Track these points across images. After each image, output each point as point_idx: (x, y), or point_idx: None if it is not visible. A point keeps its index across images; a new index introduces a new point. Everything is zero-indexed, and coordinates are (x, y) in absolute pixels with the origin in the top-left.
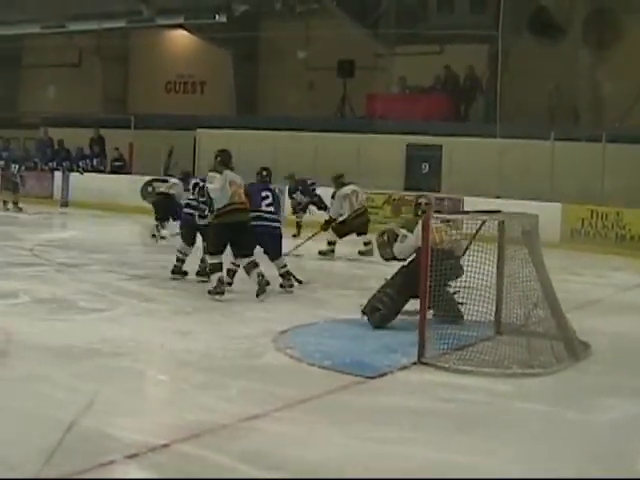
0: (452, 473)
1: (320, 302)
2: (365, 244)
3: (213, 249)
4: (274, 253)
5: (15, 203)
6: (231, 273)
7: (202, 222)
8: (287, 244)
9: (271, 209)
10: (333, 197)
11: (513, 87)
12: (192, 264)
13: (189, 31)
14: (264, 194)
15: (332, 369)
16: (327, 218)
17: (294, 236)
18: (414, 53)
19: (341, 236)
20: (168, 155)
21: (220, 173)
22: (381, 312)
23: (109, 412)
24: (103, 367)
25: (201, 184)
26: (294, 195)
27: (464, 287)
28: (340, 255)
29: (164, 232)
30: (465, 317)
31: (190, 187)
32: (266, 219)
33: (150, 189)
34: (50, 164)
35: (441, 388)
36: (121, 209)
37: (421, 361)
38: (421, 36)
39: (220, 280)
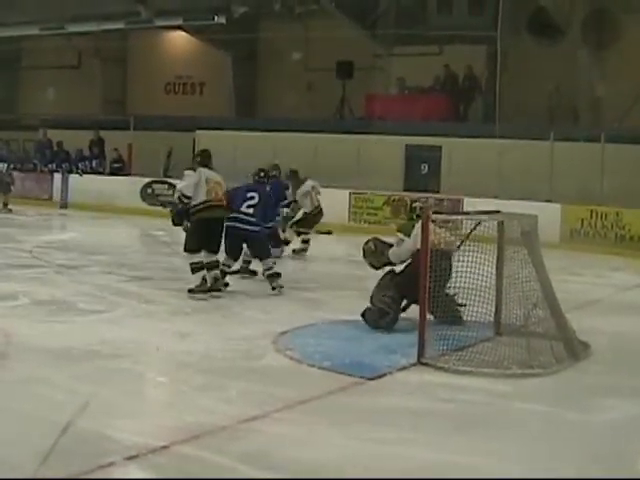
0: (452, 474)
1: (319, 303)
2: (304, 242)
3: (190, 247)
4: (256, 251)
5: (5, 204)
6: (222, 274)
7: None
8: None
9: (250, 211)
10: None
11: (512, 87)
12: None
13: (188, 32)
14: (249, 195)
15: (332, 370)
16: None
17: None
18: (413, 54)
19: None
20: (167, 156)
21: (194, 171)
22: (390, 316)
23: (108, 414)
24: (103, 369)
25: None
26: None
27: (464, 288)
28: (339, 257)
29: None
30: (465, 318)
31: None
32: (241, 221)
33: (150, 190)
34: (49, 166)
35: (441, 389)
36: (120, 211)
37: (420, 362)
38: (420, 37)
39: (204, 279)
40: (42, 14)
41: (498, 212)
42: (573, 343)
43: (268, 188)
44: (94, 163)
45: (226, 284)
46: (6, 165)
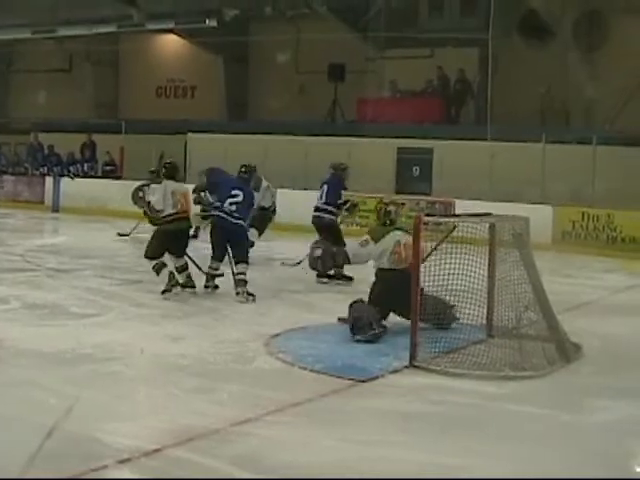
0: (445, 476)
1: (312, 306)
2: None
3: (151, 254)
4: (237, 251)
5: None
6: (210, 277)
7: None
8: None
9: (233, 208)
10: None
11: (504, 90)
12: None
13: (180, 36)
14: (234, 192)
15: (324, 373)
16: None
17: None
18: (405, 56)
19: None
20: (159, 160)
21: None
22: (375, 331)
23: (100, 417)
24: (94, 372)
25: None
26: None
27: (455, 290)
28: None
29: None
30: (457, 317)
31: None
32: (225, 214)
33: (141, 194)
34: (41, 169)
35: (433, 391)
36: (112, 214)
37: (413, 364)
38: (411, 39)
39: (171, 274)
40: (33, 17)
41: (490, 214)
42: (565, 345)
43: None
44: (86, 166)
45: (216, 286)
46: None
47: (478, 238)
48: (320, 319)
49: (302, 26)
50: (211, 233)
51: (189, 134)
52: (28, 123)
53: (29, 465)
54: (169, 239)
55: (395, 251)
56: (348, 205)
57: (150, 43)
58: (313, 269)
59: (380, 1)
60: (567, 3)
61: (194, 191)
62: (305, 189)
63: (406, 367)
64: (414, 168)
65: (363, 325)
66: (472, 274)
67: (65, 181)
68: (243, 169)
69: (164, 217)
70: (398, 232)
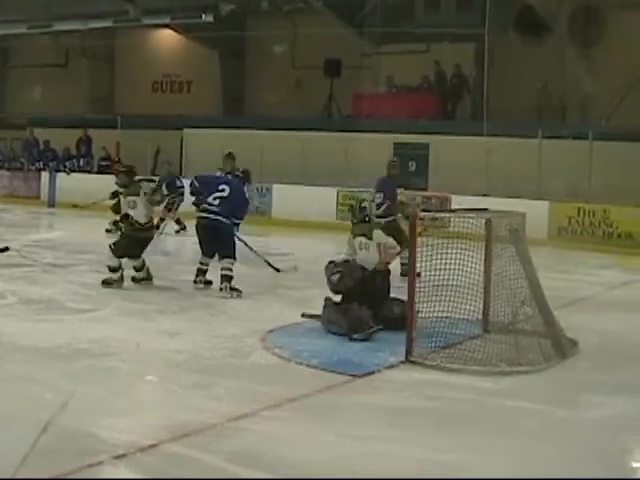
0: (441, 471)
1: (308, 301)
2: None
3: (122, 254)
4: (220, 247)
5: None
6: (201, 272)
7: None
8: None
9: (216, 202)
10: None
11: (500, 85)
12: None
13: (176, 31)
14: (220, 187)
15: (320, 368)
16: None
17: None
18: (401, 52)
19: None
20: (155, 155)
21: (137, 195)
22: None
23: (96, 412)
24: (90, 367)
25: None
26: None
27: (451, 285)
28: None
29: None
30: (453, 315)
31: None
32: (207, 211)
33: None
34: (37, 164)
35: (429, 386)
36: (108, 209)
37: (409, 359)
38: (408, 35)
39: (121, 277)
40: (29, 12)
41: (486, 210)
42: (561, 340)
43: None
44: (81, 162)
45: (208, 282)
46: None
47: (474, 233)
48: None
49: (298, 21)
50: (196, 230)
51: (185, 129)
52: (24, 118)
53: (25, 460)
54: (142, 245)
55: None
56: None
57: (146, 38)
58: (338, 293)
59: None
60: None
61: (159, 183)
62: (301, 184)
63: (402, 362)
64: (410, 163)
65: (361, 324)
66: (468, 269)
67: (61, 176)
68: (241, 175)
69: (140, 224)
70: (380, 232)
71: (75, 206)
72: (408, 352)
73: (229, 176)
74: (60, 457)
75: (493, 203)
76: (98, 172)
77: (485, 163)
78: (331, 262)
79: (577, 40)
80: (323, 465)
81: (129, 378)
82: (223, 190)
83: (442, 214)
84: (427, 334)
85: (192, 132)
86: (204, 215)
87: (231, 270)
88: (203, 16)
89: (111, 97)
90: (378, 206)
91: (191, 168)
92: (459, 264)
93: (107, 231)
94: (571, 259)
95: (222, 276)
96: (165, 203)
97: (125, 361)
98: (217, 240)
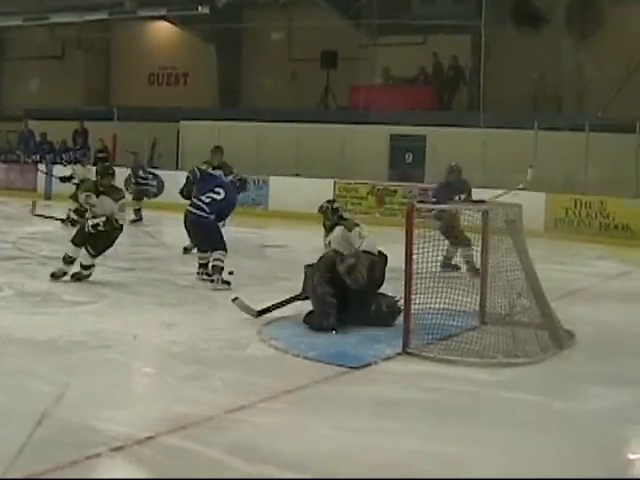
0: (438, 463)
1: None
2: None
3: (77, 242)
4: (208, 242)
5: None
6: (203, 266)
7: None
8: None
9: (207, 201)
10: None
11: (496, 77)
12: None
13: (172, 23)
14: (217, 189)
15: (317, 360)
16: None
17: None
18: (397, 43)
19: None
20: (151, 147)
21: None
22: (333, 317)
23: (94, 405)
24: (88, 360)
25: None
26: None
27: (448, 276)
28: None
29: None
30: (450, 307)
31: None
32: (195, 206)
33: (134, 181)
34: (33, 157)
35: (426, 378)
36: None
37: (406, 351)
38: (404, 26)
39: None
40: (25, 5)
41: (482, 201)
42: (558, 332)
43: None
44: (78, 154)
45: (208, 274)
46: None
47: (471, 225)
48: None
49: (295, 13)
50: (184, 223)
51: (181, 121)
52: (20, 110)
53: (20, 453)
54: (99, 239)
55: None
56: None
57: (142, 30)
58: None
59: None
60: None
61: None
62: (297, 176)
63: (399, 354)
64: (407, 155)
65: (312, 317)
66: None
67: (57, 169)
68: (238, 183)
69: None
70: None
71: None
72: (405, 344)
73: (228, 178)
74: (57, 449)
75: (489, 194)
76: (94, 164)
77: (482, 155)
78: (309, 266)
79: (574, 31)
80: (320, 457)
81: (126, 370)
82: (218, 193)
83: (439, 206)
84: (424, 326)
85: (188, 124)
86: (192, 210)
87: (222, 261)
88: (199, 8)
89: (107, 89)
90: None
91: (187, 160)
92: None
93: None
94: (568, 250)
95: (213, 267)
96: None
97: (122, 353)
98: (203, 235)
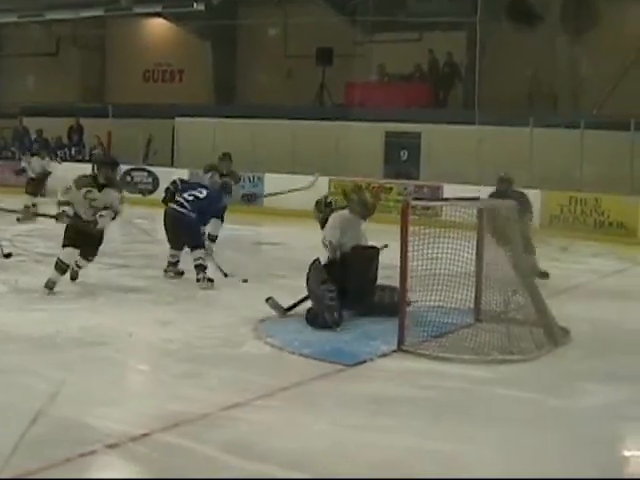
0: (434, 460)
1: (299, 291)
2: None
3: (94, 255)
4: (186, 239)
5: None
6: (171, 264)
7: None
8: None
9: (190, 198)
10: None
11: (492, 74)
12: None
13: (167, 19)
14: (198, 189)
15: (312, 357)
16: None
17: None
18: (393, 40)
19: None
20: (147, 144)
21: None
22: (337, 313)
23: (89, 402)
24: (83, 357)
25: None
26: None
27: (443, 274)
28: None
29: None
30: (445, 304)
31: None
32: (177, 204)
33: (129, 178)
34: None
35: (421, 375)
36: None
37: (401, 348)
38: (400, 23)
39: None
40: (20, 1)
41: (478, 199)
42: (553, 329)
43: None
44: (73, 150)
45: (180, 272)
46: None
47: (466, 222)
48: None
49: (290, 10)
50: (164, 219)
51: (177, 118)
52: (16, 107)
53: (16, 450)
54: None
55: None
56: None
57: (137, 27)
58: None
59: None
60: None
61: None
62: (292, 173)
63: (394, 351)
64: (402, 152)
65: (315, 316)
66: (460, 258)
67: (52, 165)
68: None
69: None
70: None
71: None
72: (400, 341)
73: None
74: (52, 446)
75: (485, 192)
76: (90, 161)
77: (477, 152)
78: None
79: (569, 28)
80: (316, 454)
81: (121, 368)
82: (201, 192)
83: (434, 203)
84: (419, 323)
85: (184, 121)
86: (172, 206)
87: (204, 259)
88: (194, 5)
89: (102, 86)
90: None
91: (183, 157)
92: (451, 253)
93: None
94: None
95: (196, 267)
96: None
97: (117, 351)
98: (182, 233)
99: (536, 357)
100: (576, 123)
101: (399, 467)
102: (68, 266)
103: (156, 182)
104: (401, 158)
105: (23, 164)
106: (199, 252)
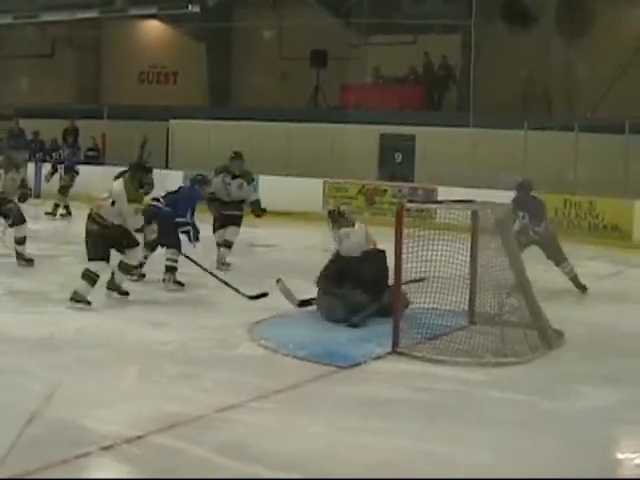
0: (428, 462)
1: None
2: None
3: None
4: (162, 240)
5: None
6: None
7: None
8: None
9: (162, 194)
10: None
11: (486, 76)
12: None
13: (162, 21)
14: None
15: (307, 359)
16: None
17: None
18: (387, 43)
19: None
20: (141, 146)
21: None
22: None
23: (83, 403)
24: (77, 358)
25: None
26: None
27: (438, 277)
28: (313, 245)
29: None
30: (439, 306)
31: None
32: (156, 200)
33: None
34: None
35: (415, 378)
36: (93, 200)
37: (395, 351)
38: (394, 26)
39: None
40: (15, 3)
41: (472, 201)
42: (547, 331)
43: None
44: (67, 152)
45: (143, 275)
46: None
47: (460, 225)
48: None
49: (285, 12)
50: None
51: (171, 120)
52: (11, 109)
53: (10, 451)
54: None
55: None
56: None
57: (132, 29)
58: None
59: None
60: None
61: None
62: (287, 175)
63: (389, 354)
64: (397, 154)
65: (357, 308)
66: (454, 261)
67: (47, 167)
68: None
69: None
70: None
71: None
72: (395, 343)
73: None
74: (47, 448)
75: (479, 194)
76: (84, 162)
77: (471, 154)
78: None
79: (563, 31)
80: (310, 456)
81: (116, 369)
82: (173, 187)
83: (429, 205)
84: (413, 325)
85: (178, 123)
86: (150, 203)
87: (176, 261)
88: (190, 7)
89: (97, 88)
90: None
91: (177, 159)
92: (445, 255)
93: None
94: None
95: (166, 267)
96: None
97: (113, 352)
98: (162, 231)
99: (530, 360)
100: (570, 126)
101: (393, 469)
102: (98, 277)
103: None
104: (396, 160)
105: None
106: (172, 252)
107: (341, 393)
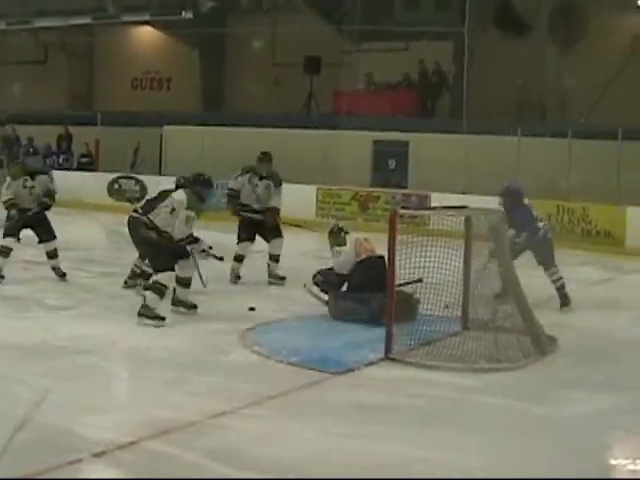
0: (421, 468)
1: (287, 299)
2: None
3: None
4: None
5: None
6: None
7: None
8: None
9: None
10: None
11: (479, 83)
12: None
13: (155, 28)
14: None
15: (299, 365)
16: None
17: None
18: (380, 50)
19: None
20: (134, 152)
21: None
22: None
23: (76, 410)
24: (70, 365)
25: None
26: None
27: (431, 283)
28: (307, 252)
29: None
30: (432, 312)
31: None
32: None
33: (117, 186)
34: (16, 161)
35: (408, 383)
36: (87, 206)
37: (388, 357)
38: (387, 33)
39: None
40: (8, 8)
41: (465, 207)
42: (540, 337)
43: None
44: (61, 158)
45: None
46: None
47: (454, 231)
48: (296, 311)
49: (278, 19)
50: None
51: (165, 126)
52: (4, 115)
53: (1, 458)
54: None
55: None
56: None
57: (125, 35)
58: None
59: None
60: None
61: None
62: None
63: (382, 360)
64: (390, 161)
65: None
66: (448, 267)
67: None
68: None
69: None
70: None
71: None
72: (387, 349)
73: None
74: (39, 455)
75: (472, 201)
76: (78, 169)
77: (464, 161)
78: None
79: (557, 38)
80: (303, 462)
81: (108, 375)
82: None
83: (422, 212)
84: (407, 331)
85: (172, 129)
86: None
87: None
88: (183, 13)
89: (90, 94)
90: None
91: (170, 165)
92: (439, 262)
93: None
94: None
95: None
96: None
97: (105, 358)
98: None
99: (523, 365)
100: (564, 132)
101: (386, 474)
102: (167, 289)
103: (144, 190)
104: (389, 167)
105: None
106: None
107: (334, 399)
